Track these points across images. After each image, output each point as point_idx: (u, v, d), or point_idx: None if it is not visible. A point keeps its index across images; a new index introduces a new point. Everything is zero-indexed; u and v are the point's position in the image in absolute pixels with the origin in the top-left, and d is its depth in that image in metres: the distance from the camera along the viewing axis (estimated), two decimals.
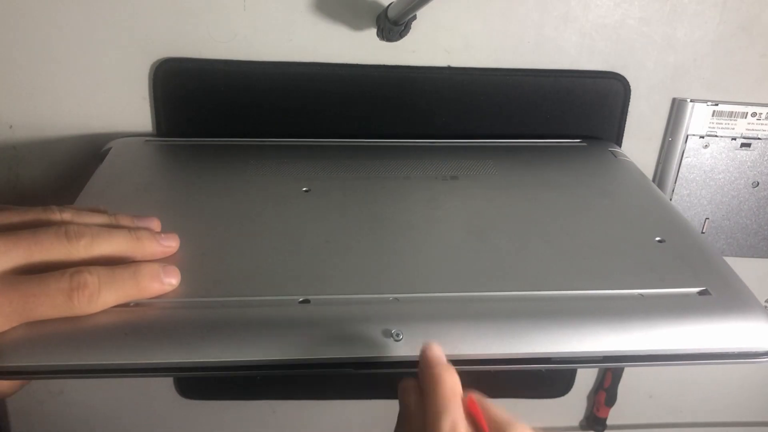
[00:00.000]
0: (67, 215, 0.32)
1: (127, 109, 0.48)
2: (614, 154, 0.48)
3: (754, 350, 0.31)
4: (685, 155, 0.53)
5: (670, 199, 0.54)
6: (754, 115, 0.52)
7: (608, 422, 0.65)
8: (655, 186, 0.45)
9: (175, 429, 0.62)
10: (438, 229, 0.38)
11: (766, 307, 0.64)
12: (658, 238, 0.38)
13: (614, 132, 0.51)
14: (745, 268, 0.59)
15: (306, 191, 0.41)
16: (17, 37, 0.46)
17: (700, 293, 0.33)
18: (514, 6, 0.47)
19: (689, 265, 0.35)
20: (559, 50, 0.49)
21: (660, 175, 0.54)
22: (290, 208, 0.40)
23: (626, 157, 0.48)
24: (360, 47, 0.48)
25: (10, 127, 0.48)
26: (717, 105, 0.51)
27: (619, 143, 0.52)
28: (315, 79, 0.48)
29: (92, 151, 0.49)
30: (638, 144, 0.53)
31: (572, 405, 0.65)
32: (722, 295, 0.32)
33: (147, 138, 0.49)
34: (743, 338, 0.31)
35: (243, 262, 0.34)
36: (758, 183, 0.54)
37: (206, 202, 0.40)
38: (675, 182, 0.54)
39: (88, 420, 0.60)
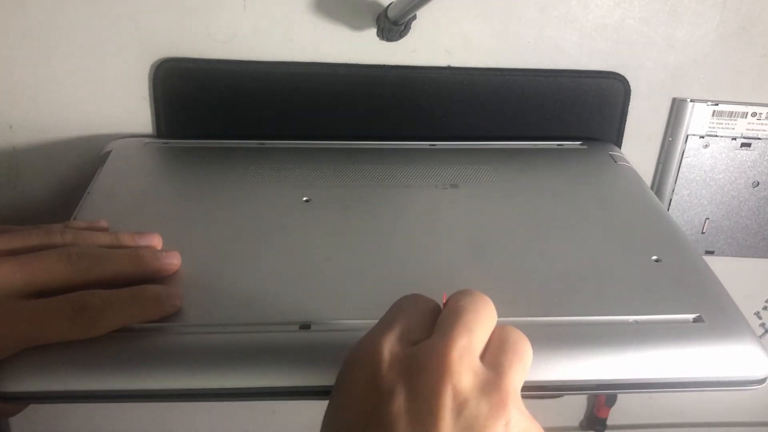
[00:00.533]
0: (69, 237, 0.32)
1: (127, 109, 0.48)
2: (614, 159, 0.48)
3: (746, 378, 0.31)
4: (685, 155, 0.53)
5: (670, 200, 0.54)
6: (754, 115, 0.52)
7: (608, 422, 0.65)
8: (654, 196, 0.45)
9: (175, 429, 0.62)
10: (436, 246, 0.38)
11: (765, 307, 0.64)
12: (654, 257, 0.38)
13: (614, 132, 0.51)
14: (745, 268, 0.59)
15: (306, 201, 0.41)
16: (17, 37, 0.46)
17: (695, 320, 0.33)
18: (514, 6, 0.47)
19: (684, 289, 0.35)
20: (559, 50, 0.49)
21: (660, 175, 0.54)
22: (291, 220, 0.40)
23: (626, 162, 0.48)
24: (360, 47, 0.48)
25: (10, 127, 0.48)
26: (717, 105, 0.51)
27: (619, 143, 0.52)
28: (315, 79, 0.48)
29: (92, 151, 0.49)
30: (638, 144, 0.53)
31: (572, 405, 0.65)
32: (716, 322, 0.33)
33: (147, 140, 0.48)
34: (736, 366, 0.31)
35: (244, 283, 0.34)
36: (758, 183, 0.54)
37: (206, 213, 0.40)
38: (675, 182, 0.54)
39: (88, 420, 0.60)
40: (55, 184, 0.50)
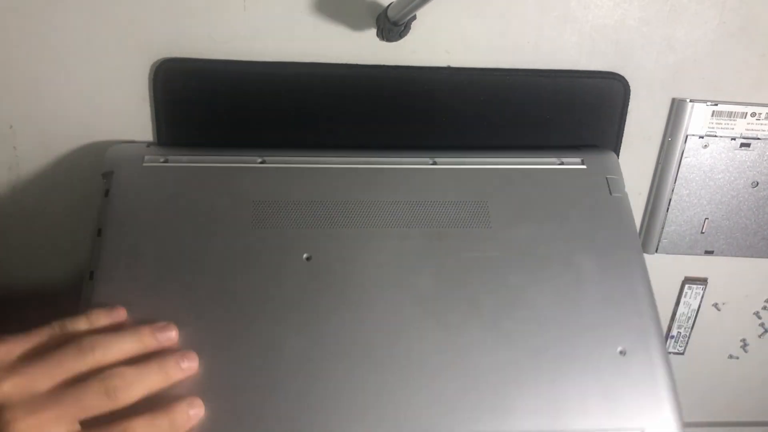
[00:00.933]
0: (98, 354, 0.34)
1: (127, 109, 0.48)
2: (609, 187, 0.48)
3: None
4: (684, 155, 0.53)
5: (670, 200, 0.54)
6: (753, 115, 0.52)
7: None
8: (638, 241, 0.46)
9: None
10: (418, 350, 0.40)
11: (765, 307, 0.64)
12: (620, 349, 0.40)
13: (614, 132, 0.51)
14: (745, 268, 0.59)
15: (307, 259, 0.42)
16: (17, 38, 0.46)
17: None
18: (513, 6, 0.48)
19: (639, 396, 0.39)
20: (558, 50, 0.49)
21: (659, 176, 0.54)
22: (291, 291, 0.41)
23: (620, 190, 0.48)
24: (360, 47, 0.48)
25: (11, 127, 0.48)
26: (716, 105, 0.51)
27: (618, 143, 0.52)
28: (315, 79, 0.48)
29: (93, 151, 0.49)
30: (638, 144, 0.53)
31: None
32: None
33: (146, 151, 0.47)
34: None
35: (241, 396, 0.37)
36: (758, 183, 0.54)
37: (200, 285, 0.41)
38: (675, 182, 0.54)
39: None
40: (55, 185, 0.50)
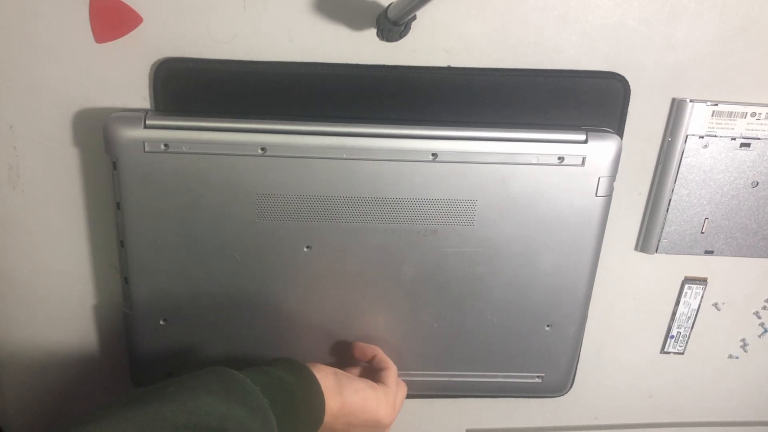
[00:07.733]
0: None
1: (128, 108, 0.48)
2: (597, 188, 0.49)
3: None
4: (684, 155, 0.53)
5: (670, 200, 0.54)
6: (753, 115, 0.52)
7: (607, 422, 0.65)
8: (599, 244, 0.51)
9: None
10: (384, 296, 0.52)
11: (765, 307, 0.64)
12: (548, 325, 0.53)
13: (614, 132, 0.51)
14: (745, 268, 0.59)
15: (308, 249, 0.49)
16: (17, 37, 0.46)
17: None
18: (513, 6, 0.48)
19: (550, 355, 0.55)
20: (559, 50, 0.49)
21: (660, 175, 0.54)
22: (293, 274, 0.50)
23: (608, 192, 0.49)
24: (360, 47, 0.48)
25: (11, 127, 0.48)
26: (717, 105, 0.51)
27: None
28: (315, 79, 0.48)
29: (93, 151, 0.49)
30: (638, 144, 0.53)
31: (572, 405, 0.65)
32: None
33: (146, 141, 0.47)
34: None
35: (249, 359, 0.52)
36: (758, 183, 0.54)
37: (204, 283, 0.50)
38: (675, 182, 0.54)
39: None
40: (55, 184, 0.50)
